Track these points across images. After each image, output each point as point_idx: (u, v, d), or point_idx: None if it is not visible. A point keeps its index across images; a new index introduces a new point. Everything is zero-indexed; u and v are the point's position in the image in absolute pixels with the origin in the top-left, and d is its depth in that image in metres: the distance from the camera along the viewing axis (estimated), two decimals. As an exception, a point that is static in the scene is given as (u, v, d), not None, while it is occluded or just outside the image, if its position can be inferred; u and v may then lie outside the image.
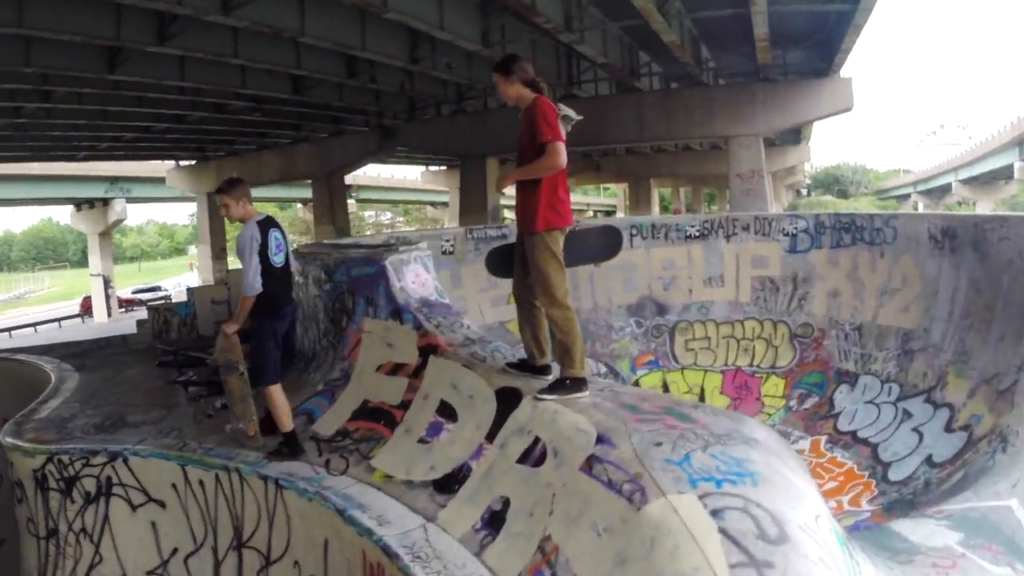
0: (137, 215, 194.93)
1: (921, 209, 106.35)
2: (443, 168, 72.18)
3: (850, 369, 16.12)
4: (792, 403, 16.43)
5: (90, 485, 9.11)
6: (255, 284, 8.42)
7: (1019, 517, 8.16)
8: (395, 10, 21.27)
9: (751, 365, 17.47)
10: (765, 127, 33.43)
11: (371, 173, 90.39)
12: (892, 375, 15.09)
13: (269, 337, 8.75)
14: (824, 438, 14.99)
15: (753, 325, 17.79)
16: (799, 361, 17.04)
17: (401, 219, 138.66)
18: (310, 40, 23.65)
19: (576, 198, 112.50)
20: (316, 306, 11.45)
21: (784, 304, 17.66)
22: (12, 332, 55.73)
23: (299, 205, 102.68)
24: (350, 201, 78.85)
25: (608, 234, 8.33)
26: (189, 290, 19.43)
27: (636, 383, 17.41)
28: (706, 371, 17.64)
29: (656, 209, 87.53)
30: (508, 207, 64.60)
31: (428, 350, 8.79)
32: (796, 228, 17.76)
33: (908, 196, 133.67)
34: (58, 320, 63.35)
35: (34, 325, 59.78)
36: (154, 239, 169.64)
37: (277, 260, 8.78)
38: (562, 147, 6.75)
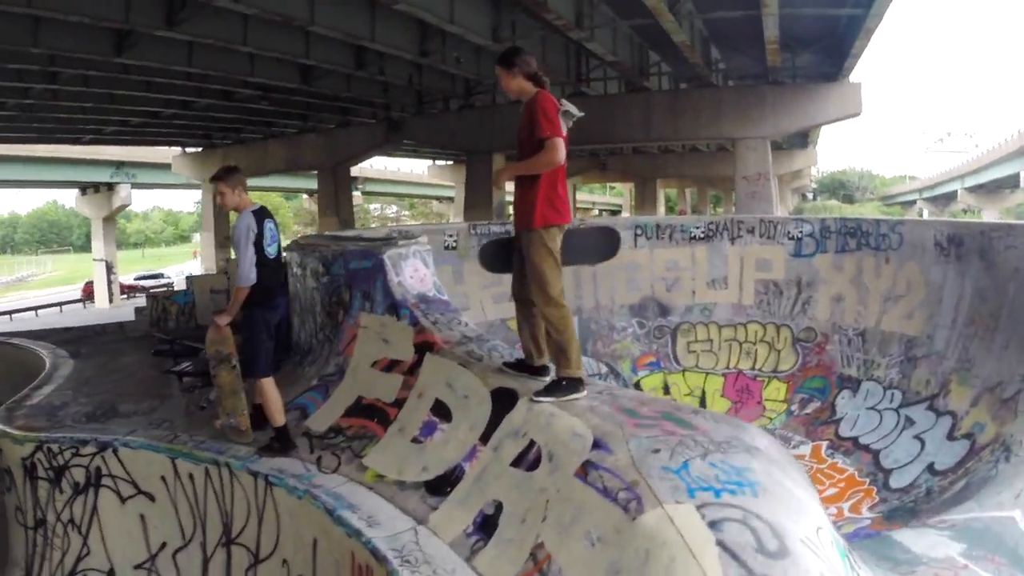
0: (142, 201, 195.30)
1: (926, 216, 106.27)
2: (450, 163, 72.22)
3: (852, 375, 15.95)
4: (793, 408, 16.25)
5: (79, 475, 9.00)
6: (250, 275, 8.33)
7: (1023, 528, 8.03)
8: (405, 1, 21.22)
9: (753, 368, 17.27)
10: (773, 130, 33.37)
11: (377, 166, 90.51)
12: (895, 382, 14.91)
13: (262, 328, 8.64)
14: (825, 443, 14.81)
15: (756, 328, 17.61)
16: (801, 366, 16.85)
17: (407, 213, 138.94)
18: (319, 29, 23.58)
19: (582, 196, 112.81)
20: (313, 299, 11.31)
21: (787, 308, 17.50)
22: (12, 315, 55.73)
23: (305, 196, 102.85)
24: (356, 193, 78.89)
25: (606, 235, 8.21)
26: (188, 279, 19.34)
27: (637, 384, 17.29)
28: (708, 374, 17.45)
29: (662, 210, 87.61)
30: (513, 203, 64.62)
31: (424, 347, 8.64)
32: (801, 232, 17.59)
33: (914, 203, 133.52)
34: (59, 304, 63.23)
35: (35, 309, 59.92)
36: (159, 225, 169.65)
37: (271, 251, 8.70)
38: (561, 143, 6.66)
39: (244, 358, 8.71)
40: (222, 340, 8.75)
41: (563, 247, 7.00)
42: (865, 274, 16.53)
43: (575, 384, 6.80)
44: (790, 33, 27.31)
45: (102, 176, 61.46)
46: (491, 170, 36.83)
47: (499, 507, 6.21)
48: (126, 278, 73.84)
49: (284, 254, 12.67)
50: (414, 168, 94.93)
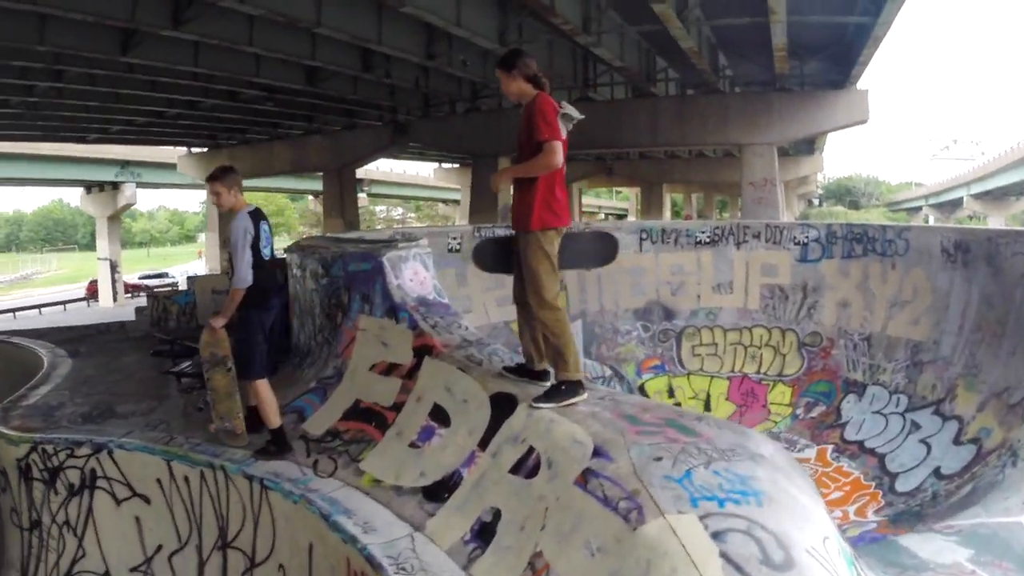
0: (149, 200, 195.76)
1: (932, 222, 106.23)
2: (456, 165, 72.24)
3: (858, 379, 15.89)
4: (799, 411, 16.20)
5: (74, 477, 8.94)
6: (247, 277, 8.26)
7: (1030, 533, 7.94)
8: (412, 4, 21.11)
9: (758, 372, 17.21)
10: (780, 136, 33.30)
11: (384, 168, 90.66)
12: (900, 386, 14.86)
13: (257, 330, 8.58)
14: (831, 447, 14.77)
15: (761, 332, 17.55)
16: (807, 370, 16.80)
17: (413, 215, 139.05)
18: (326, 31, 23.53)
19: (588, 200, 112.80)
20: (312, 301, 11.21)
21: (793, 312, 17.43)
22: (16, 313, 55.75)
23: (310, 197, 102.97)
24: (362, 195, 78.90)
25: (604, 240, 8.09)
26: (189, 279, 19.25)
27: (641, 387, 17.26)
28: (712, 377, 17.38)
29: (668, 214, 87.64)
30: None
31: (423, 351, 8.51)
32: (807, 237, 17.52)
33: (919, 209, 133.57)
34: (63, 303, 63.20)
35: (39, 307, 59.81)
36: (164, 225, 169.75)
37: (266, 253, 8.65)
38: (559, 146, 6.56)
39: (238, 360, 8.63)
40: (217, 343, 8.66)
41: (561, 251, 6.92)
42: (871, 280, 16.47)
43: (575, 387, 6.71)
44: (798, 40, 27.23)
45: (107, 175, 61.44)
46: (497, 174, 36.77)
47: (497, 514, 6.08)
48: (130, 277, 73.81)
49: (284, 255, 12.63)
50: (420, 171, 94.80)
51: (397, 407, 8.24)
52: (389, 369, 8.86)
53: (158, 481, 8.59)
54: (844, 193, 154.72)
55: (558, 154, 6.53)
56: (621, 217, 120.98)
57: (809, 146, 58.36)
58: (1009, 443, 10.97)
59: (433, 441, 7.46)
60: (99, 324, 18.76)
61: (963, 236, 14.76)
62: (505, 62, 6.93)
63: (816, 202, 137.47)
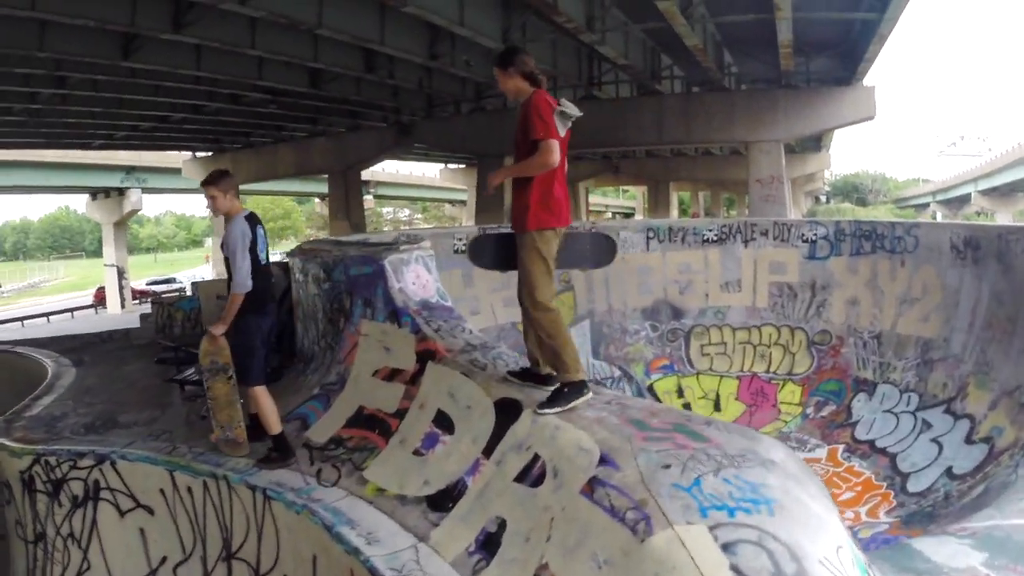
0: (155, 206, 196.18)
1: (939, 219, 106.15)
2: (462, 166, 72.34)
3: (868, 378, 15.87)
4: (809, 411, 16.18)
5: (77, 488, 8.81)
6: (247, 282, 8.19)
7: (1046, 536, 7.82)
8: (414, 4, 21.02)
9: (768, 371, 17.18)
10: (786, 134, 33.22)
11: (389, 169, 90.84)
12: (911, 385, 14.82)
13: (255, 335, 8.50)
14: (841, 447, 14.75)
15: (770, 331, 17.52)
16: (816, 368, 16.77)
17: (419, 216, 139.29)
18: (328, 33, 23.48)
19: (595, 199, 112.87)
20: (315, 305, 11.10)
21: (802, 311, 17.38)
22: (24, 321, 55.80)
23: (317, 199, 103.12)
24: (368, 197, 78.96)
25: (601, 241, 7.98)
26: (193, 284, 19.14)
27: (651, 387, 17.29)
28: (722, 377, 17.36)
29: (675, 212, 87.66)
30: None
31: (426, 355, 8.37)
32: (815, 234, 17.47)
33: (927, 205, 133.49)
34: (71, 310, 63.28)
35: (47, 315, 59.81)
36: (171, 230, 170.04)
37: (263, 257, 8.60)
38: (555, 145, 6.44)
39: (236, 366, 8.54)
40: (217, 350, 8.54)
41: (560, 251, 6.86)
42: (880, 277, 16.44)
43: (578, 388, 6.60)
44: (804, 37, 27.17)
45: (113, 181, 61.44)
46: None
47: (502, 524, 5.95)
48: (138, 283, 73.95)
49: (287, 259, 12.54)
50: (426, 171, 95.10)
51: (400, 414, 8.12)
52: (392, 375, 8.73)
53: (161, 492, 8.47)
54: (851, 190, 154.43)
55: (554, 153, 6.42)
56: (628, 216, 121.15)
57: (816, 143, 58.32)
58: (1021, 442, 10.95)
59: (437, 449, 7.33)
60: (103, 332, 18.64)
61: (973, 233, 14.71)
62: (502, 59, 6.81)
63: (823, 199, 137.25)
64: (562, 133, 6.55)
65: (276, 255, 27.04)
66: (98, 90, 30.53)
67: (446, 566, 5.98)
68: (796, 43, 26.45)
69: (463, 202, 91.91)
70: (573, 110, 6.61)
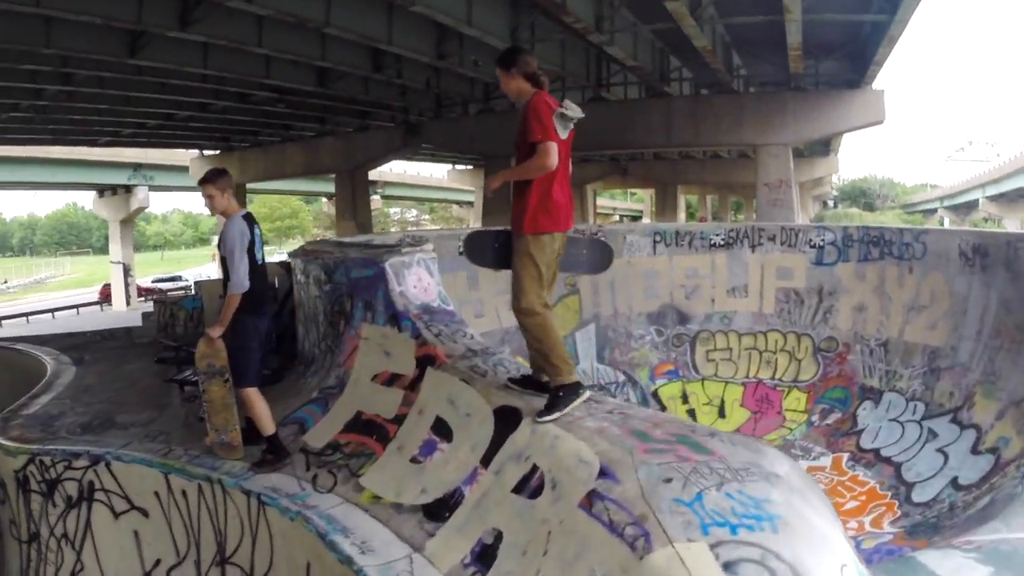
0: (162, 203, 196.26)
1: (947, 224, 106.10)
2: (469, 167, 72.30)
3: (874, 385, 15.79)
4: (814, 418, 16.10)
5: (72, 489, 8.75)
6: (245, 282, 8.14)
7: (1052, 551, 7.72)
8: (422, 3, 20.97)
9: (773, 378, 17.12)
10: (795, 137, 33.06)
11: (397, 170, 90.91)
12: (917, 393, 14.74)
13: (252, 336, 8.44)
14: (846, 455, 14.65)
15: (776, 337, 17.44)
16: (822, 376, 16.69)
17: (426, 217, 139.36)
18: (335, 31, 23.37)
19: (602, 202, 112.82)
20: (316, 307, 11.01)
21: (808, 317, 17.32)
22: (30, 317, 55.81)
23: (324, 199, 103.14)
24: (375, 197, 78.92)
25: (599, 247, 7.85)
26: (196, 284, 19.04)
27: (655, 393, 17.24)
28: (727, 383, 17.29)
29: (682, 216, 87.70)
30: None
31: (426, 361, 8.27)
32: (823, 240, 17.38)
33: (935, 211, 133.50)
34: (76, 307, 63.24)
35: (52, 311, 59.77)
36: (178, 228, 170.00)
37: (260, 257, 8.56)
38: (553, 147, 6.38)
39: (233, 366, 8.46)
40: (214, 353, 8.44)
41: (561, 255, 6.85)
42: (888, 284, 16.36)
43: (573, 390, 6.55)
44: (813, 40, 27.02)
45: (119, 178, 61.42)
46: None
47: (499, 536, 5.84)
48: (144, 280, 73.86)
49: (290, 260, 12.48)
50: (434, 172, 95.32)
51: (399, 419, 8.02)
52: (391, 379, 8.63)
53: (156, 494, 8.39)
54: (859, 195, 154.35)
55: (552, 156, 6.36)
56: (636, 218, 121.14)
57: (824, 147, 58.18)
58: (1028, 453, 10.83)
59: (435, 456, 7.23)
60: (104, 330, 18.56)
61: (982, 240, 14.65)
62: (504, 60, 6.78)
63: (831, 204, 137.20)
64: (563, 135, 6.49)
65: (280, 255, 27.03)
66: (104, 87, 30.49)
67: (441, 578, 5.88)
68: (805, 45, 26.31)
69: (470, 203, 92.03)
70: (575, 112, 6.56)
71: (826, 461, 14.63)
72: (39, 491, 8.88)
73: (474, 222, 76.34)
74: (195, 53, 26.14)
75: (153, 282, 75.92)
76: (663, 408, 16.82)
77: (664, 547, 4.46)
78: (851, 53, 30.38)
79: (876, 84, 32.36)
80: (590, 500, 5.21)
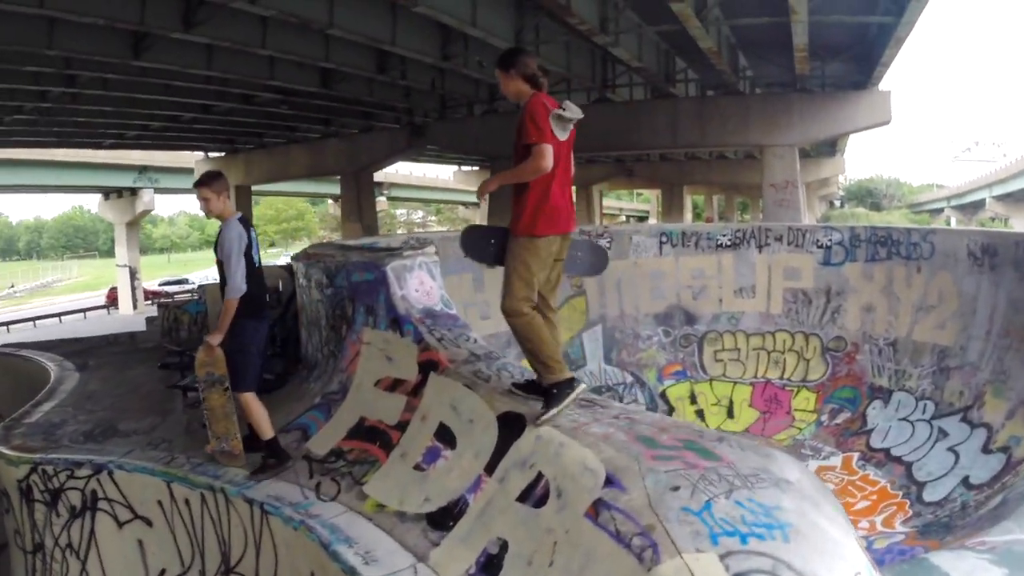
0: (168, 206, 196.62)
1: (954, 224, 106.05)
2: (475, 168, 72.35)
3: (884, 385, 15.70)
4: (823, 418, 16.03)
5: (75, 498, 8.70)
6: (242, 286, 8.09)
7: (1067, 552, 7.63)
8: (426, 4, 20.87)
9: (782, 378, 17.04)
10: (801, 138, 33.01)
11: (403, 171, 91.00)
12: (927, 392, 14.66)
13: (251, 340, 8.38)
14: (856, 455, 14.58)
15: (784, 337, 17.37)
16: (831, 375, 16.63)
17: (433, 218, 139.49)
18: (339, 33, 23.34)
19: (609, 203, 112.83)
20: (318, 311, 10.93)
21: (816, 317, 17.24)
22: (36, 322, 55.88)
23: (330, 201, 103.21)
24: (381, 199, 78.91)
25: (595, 250, 7.77)
26: (200, 287, 18.98)
27: (663, 393, 17.19)
28: (735, 383, 17.21)
29: (689, 216, 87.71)
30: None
31: (428, 366, 8.16)
32: (830, 240, 17.33)
33: (941, 211, 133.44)
34: (83, 311, 63.35)
35: (59, 315, 59.87)
36: (184, 231, 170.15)
37: (257, 260, 8.52)
38: (548, 150, 6.30)
39: (231, 370, 8.39)
40: (213, 362, 8.37)
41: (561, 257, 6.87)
42: (896, 283, 16.29)
43: (566, 387, 6.49)
44: (819, 41, 26.90)
45: (125, 181, 61.44)
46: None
47: (504, 546, 5.74)
48: (150, 284, 73.95)
49: (292, 263, 12.43)
50: (440, 173, 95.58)
51: (402, 426, 7.92)
52: (394, 385, 8.54)
53: (159, 503, 8.35)
54: (866, 195, 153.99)
55: (546, 158, 6.28)
56: (642, 219, 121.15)
57: (830, 148, 58.15)
58: (1040, 452, 10.76)
59: (438, 464, 7.13)
60: (108, 335, 18.49)
61: (990, 240, 14.60)
62: (503, 61, 6.72)
63: (838, 204, 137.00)
64: (562, 137, 6.43)
65: (287, 257, 26.95)
66: (108, 89, 30.43)
67: (445, 589, 5.79)
68: (811, 46, 26.20)
69: (476, 204, 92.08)
70: (573, 113, 6.49)
71: (836, 461, 14.57)
72: (42, 501, 8.83)
73: (480, 223, 76.42)
74: (199, 54, 26.12)
75: (160, 285, 76.00)
76: (671, 409, 16.79)
77: (672, 558, 4.37)
78: (857, 54, 30.25)
79: (883, 85, 32.31)
80: (596, 509, 5.12)
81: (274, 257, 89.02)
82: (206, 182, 8.34)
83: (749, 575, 4.13)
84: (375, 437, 8.14)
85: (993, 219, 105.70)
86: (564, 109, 6.43)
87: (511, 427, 6.56)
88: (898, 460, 13.73)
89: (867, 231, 17.25)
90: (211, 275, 74.92)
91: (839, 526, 4.84)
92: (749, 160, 56.12)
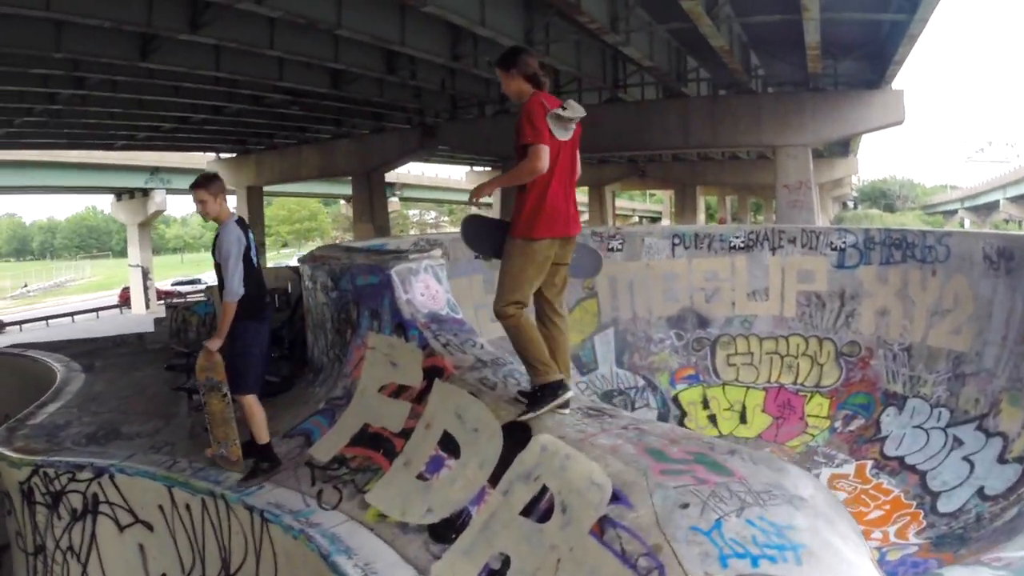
0: (181, 206, 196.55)
1: (968, 226, 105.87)
2: (488, 169, 72.24)
3: (898, 391, 15.49)
4: (837, 424, 15.85)
5: (76, 501, 8.60)
6: (239, 289, 7.99)
7: (1085, 569, 7.47)
8: (434, 3, 20.79)
9: (795, 383, 16.89)
10: (814, 138, 32.87)
11: (415, 172, 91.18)
12: (942, 399, 14.44)
13: (253, 342, 8.29)
14: (870, 463, 14.40)
15: (798, 341, 17.23)
16: (845, 381, 16.45)
17: (445, 219, 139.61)
18: (347, 33, 23.27)
19: (621, 203, 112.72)
20: (324, 314, 10.80)
21: (830, 321, 17.09)
22: (49, 321, 56.05)
23: (342, 201, 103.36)
24: (394, 199, 78.96)
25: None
26: (208, 289, 18.88)
27: (675, 397, 17.08)
28: (748, 388, 17.07)
29: (702, 217, 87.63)
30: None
31: (433, 372, 8.01)
32: (844, 243, 17.17)
33: (955, 212, 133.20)
34: (96, 310, 63.53)
35: (72, 315, 60.04)
36: (197, 231, 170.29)
37: (255, 261, 8.44)
38: (544, 150, 6.22)
39: (232, 373, 8.28)
40: (213, 367, 8.27)
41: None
42: (911, 287, 16.11)
43: (551, 390, 6.48)
44: (831, 39, 26.79)
45: (137, 182, 61.76)
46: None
47: (506, 562, 5.58)
48: (163, 284, 74.11)
49: (298, 265, 12.35)
50: (452, 174, 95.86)
51: (406, 433, 7.75)
52: (398, 391, 8.38)
53: (160, 508, 8.24)
54: (879, 196, 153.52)
55: (542, 159, 6.21)
56: (655, 220, 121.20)
57: (843, 148, 57.95)
58: (1057, 463, 10.61)
59: (442, 473, 6.98)
60: (116, 336, 18.41)
61: (1007, 243, 14.38)
62: (503, 60, 6.71)
63: (851, 205, 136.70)
64: (563, 137, 6.37)
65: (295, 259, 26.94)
66: (117, 91, 30.44)
67: (446, 606, 5.64)
68: (824, 45, 26.09)
69: (489, 204, 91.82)
70: (575, 112, 6.42)
71: (849, 468, 14.41)
72: (44, 503, 8.75)
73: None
74: (207, 56, 26.09)
75: (172, 285, 76.20)
76: (683, 413, 16.73)
77: (680, 582, 4.20)
78: (870, 53, 30.09)
79: (895, 84, 32.14)
80: (601, 527, 4.99)
81: (287, 258, 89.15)
82: (203, 184, 8.27)
83: (759, 601, 3.97)
84: (379, 444, 7.99)
85: (1007, 221, 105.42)
86: (565, 108, 6.35)
87: (516, 437, 6.43)
88: (912, 469, 13.55)
89: (882, 233, 17.09)
90: (222, 276, 75.88)
91: (854, 546, 4.70)
92: (762, 160, 56.02)
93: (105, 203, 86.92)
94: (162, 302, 61.25)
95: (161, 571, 8.25)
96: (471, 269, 14.91)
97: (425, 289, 9.55)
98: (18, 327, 53.12)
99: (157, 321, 18.98)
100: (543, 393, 6.44)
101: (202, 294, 47.12)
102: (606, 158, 56.38)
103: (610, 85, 34.24)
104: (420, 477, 7.11)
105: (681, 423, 16.26)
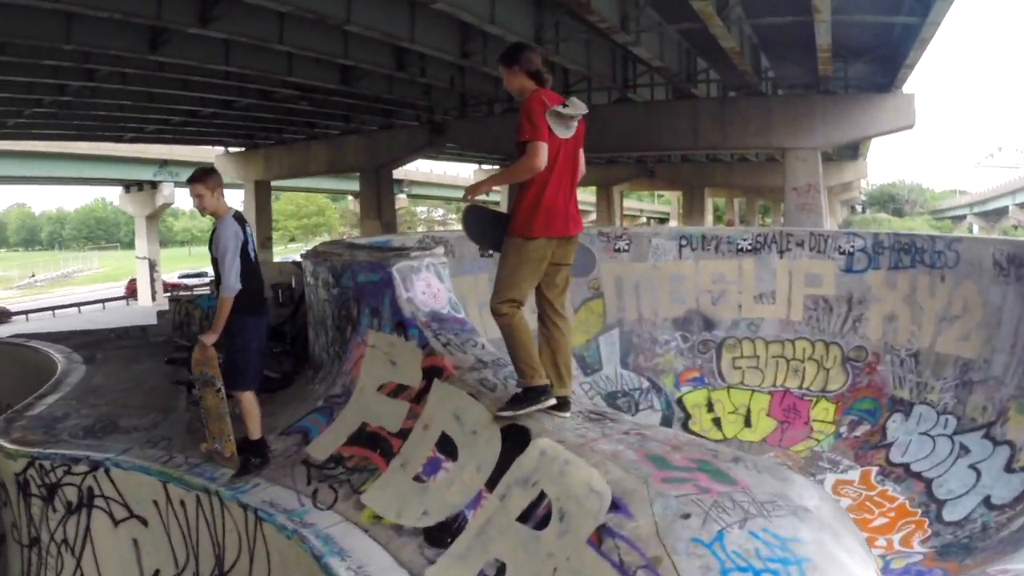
0: (189, 199, 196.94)
1: (977, 231, 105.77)
2: (496, 167, 72.05)
3: (905, 397, 15.36)
4: (842, 430, 15.73)
5: (71, 494, 8.58)
6: (236, 284, 7.96)
7: (1091, 583, 7.39)
8: (444, 1, 20.78)
9: (800, 387, 16.78)
10: (823, 141, 32.80)
11: (424, 169, 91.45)
12: (949, 406, 14.30)
13: (251, 337, 8.27)
14: (875, 469, 14.26)
15: (804, 345, 17.12)
16: (851, 386, 16.33)
17: (453, 216, 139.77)
18: (356, 29, 23.24)
19: (629, 204, 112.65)
20: (325, 311, 10.74)
21: (837, 325, 16.98)
22: (56, 312, 56.20)
23: (350, 197, 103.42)
24: (401, 196, 78.94)
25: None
26: (211, 282, 18.81)
27: (680, 400, 16.98)
28: (753, 391, 16.97)
29: (710, 218, 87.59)
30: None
31: (432, 372, 7.93)
32: (853, 247, 17.04)
33: (964, 217, 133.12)
34: (102, 301, 63.59)
35: (78, 305, 60.14)
36: (205, 224, 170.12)
37: (253, 256, 8.40)
38: (541, 147, 6.14)
39: (230, 368, 8.27)
40: (207, 361, 8.23)
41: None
42: (919, 292, 15.97)
43: (533, 394, 6.46)
44: (842, 41, 26.73)
45: (146, 174, 61.92)
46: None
47: (502, 568, 5.50)
48: (170, 276, 74.11)
49: (301, 261, 12.30)
50: (460, 172, 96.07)
51: (404, 434, 7.68)
52: (397, 390, 8.31)
53: (155, 503, 8.22)
54: (888, 200, 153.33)
55: (539, 156, 6.13)
56: (663, 221, 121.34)
57: (853, 151, 57.77)
58: (1064, 473, 10.52)
59: (439, 476, 6.90)
60: (119, 328, 18.36)
61: (1017, 249, 14.21)
62: (506, 57, 6.67)
63: (859, 209, 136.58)
64: (563, 135, 6.29)
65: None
66: (127, 83, 30.47)
67: (440, 611, 5.55)
68: (835, 47, 26.04)
69: (496, 203, 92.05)
70: (576, 109, 6.37)
71: (854, 475, 14.30)
72: (39, 495, 8.75)
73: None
74: (217, 50, 26.07)
75: (179, 277, 76.17)
76: (688, 416, 16.64)
77: (679, 596, 4.09)
78: (881, 56, 30.03)
79: (906, 88, 32.10)
80: (599, 536, 4.89)
81: (294, 252, 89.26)
82: (200, 178, 8.21)
83: (760, 616, 3.86)
84: (376, 444, 7.91)
85: (1016, 227, 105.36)
86: (566, 105, 6.28)
87: (515, 441, 6.36)
88: (918, 476, 13.42)
89: (890, 238, 16.95)
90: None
91: (859, 558, 4.60)
92: (771, 163, 55.89)
93: (114, 195, 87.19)
94: (169, 294, 61.47)
95: (155, 567, 8.21)
96: (476, 267, 14.84)
97: (426, 287, 9.46)
98: (24, 316, 53.15)
99: (160, 314, 18.91)
100: (526, 395, 6.43)
101: (208, 287, 47.38)
102: (614, 158, 56.33)
103: (620, 85, 34.16)
104: (416, 479, 7.04)
105: (685, 425, 16.19)
